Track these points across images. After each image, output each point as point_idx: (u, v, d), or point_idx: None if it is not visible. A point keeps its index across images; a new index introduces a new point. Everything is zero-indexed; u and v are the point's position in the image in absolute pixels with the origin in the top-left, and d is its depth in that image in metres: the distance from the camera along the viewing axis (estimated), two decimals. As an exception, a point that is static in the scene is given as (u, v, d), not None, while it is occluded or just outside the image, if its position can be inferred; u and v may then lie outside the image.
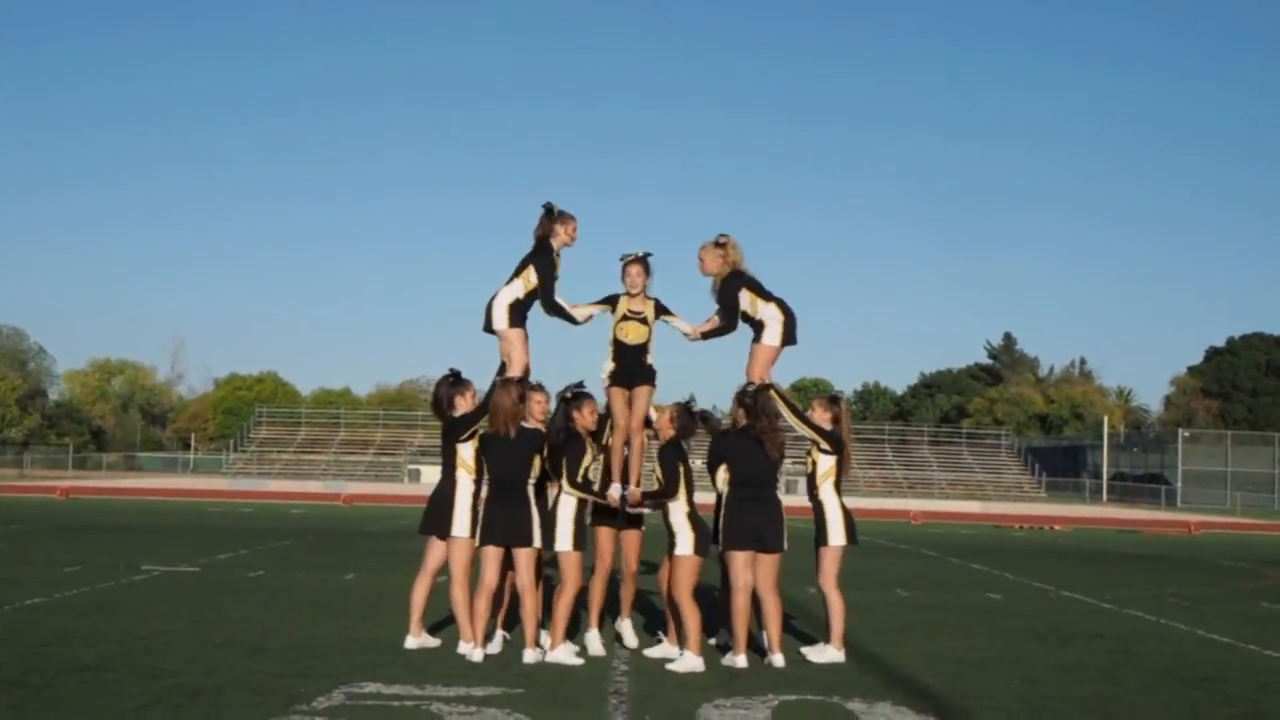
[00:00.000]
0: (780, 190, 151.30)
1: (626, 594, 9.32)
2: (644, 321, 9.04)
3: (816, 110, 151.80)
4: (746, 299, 9.07)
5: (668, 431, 8.84)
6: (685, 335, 9.24)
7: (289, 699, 6.90)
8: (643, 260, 9.10)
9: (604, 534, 9.08)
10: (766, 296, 9.10)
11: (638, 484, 8.91)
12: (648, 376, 9.03)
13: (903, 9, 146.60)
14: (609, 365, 9.07)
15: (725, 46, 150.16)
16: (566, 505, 8.73)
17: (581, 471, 8.74)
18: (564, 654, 8.44)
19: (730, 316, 9.07)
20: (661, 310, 9.16)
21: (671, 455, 8.78)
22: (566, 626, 8.63)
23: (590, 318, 9.17)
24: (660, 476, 8.74)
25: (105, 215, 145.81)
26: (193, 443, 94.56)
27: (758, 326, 9.10)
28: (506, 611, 9.11)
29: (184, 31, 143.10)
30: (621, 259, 9.12)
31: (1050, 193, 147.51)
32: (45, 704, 6.63)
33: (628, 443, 8.98)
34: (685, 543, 8.63)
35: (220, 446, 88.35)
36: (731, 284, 9.05)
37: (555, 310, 9.06)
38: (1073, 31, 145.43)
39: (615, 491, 8.84)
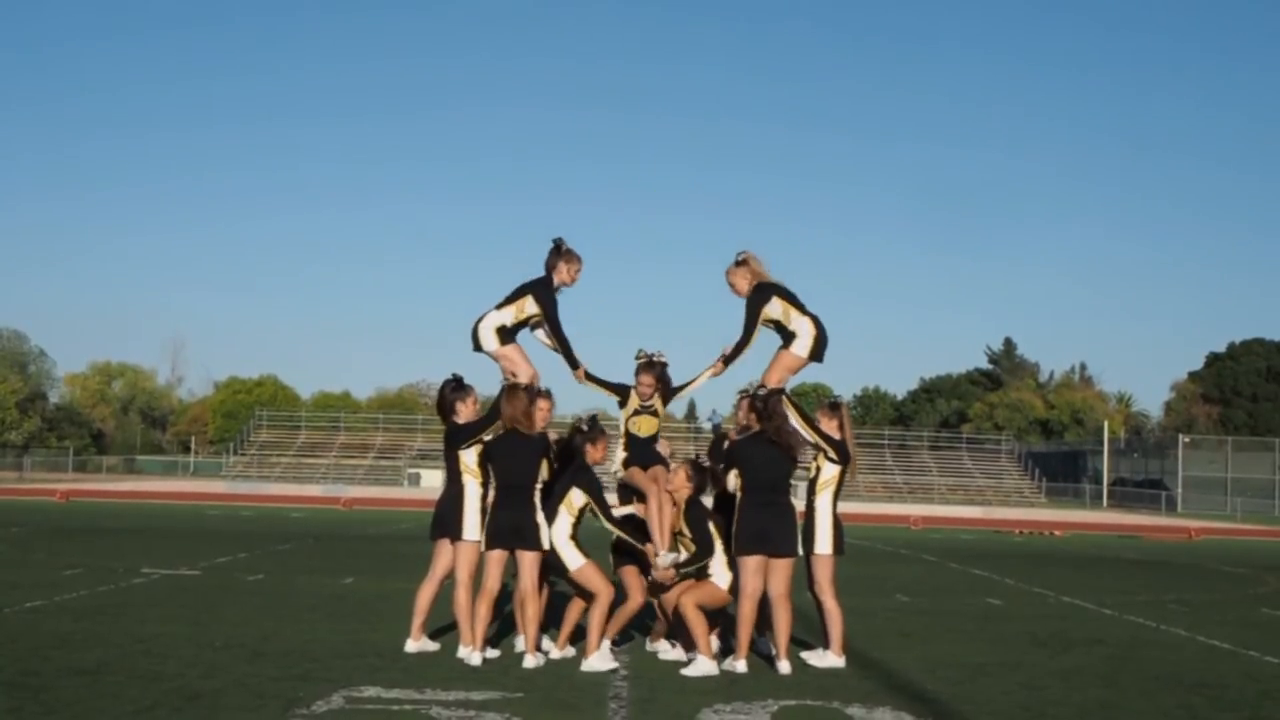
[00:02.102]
0: (780, 194, 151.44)
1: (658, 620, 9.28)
2: (654, 414, 9.22)
3: (815, 113, 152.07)
4: (779, 308, 9.09)
5: (685, 491, 8.77)
6: (712, 376, 9.34)
7: (288, 703, 6.88)
8: (655, 369, 9.20)
9: (628, 572, 9.00)
10: (802, 309, 9.13)
11: (667, 546, 8.80)
12: (659, 459, 9.13)
13: (901, 10, 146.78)
14: (621, 452, 9.17)
15: (725, 49, 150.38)
16: (562, 528, 8.65)
17: (614, 508, 8.80)
18: (599, 660, 8.38)
19: (746, 330, 9.10)
20: (671, 394, 9.26)
21: (697, 514, 8.74)
22: (601, 633, 8.54)
23: (586, 375, 9.24)
24: (691, 538, 8.69)
25: (106, 218, 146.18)
26: (192, 446, 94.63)
27: (789, 337, 9.11)
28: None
29: (184, 33, 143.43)
30: (636, 358, 9.27)
31: (1051, 197, 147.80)
32: (44, 707, 6.62)
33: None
34: (723, 580, 8.64)
35: (220, 450, 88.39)
36: (757, 297, 9.10)
37: (561, 343, 9.12)
38: (1074, 34, 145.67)
39: (664, 561, 8.70)
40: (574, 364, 9.18)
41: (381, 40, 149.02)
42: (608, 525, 8.75)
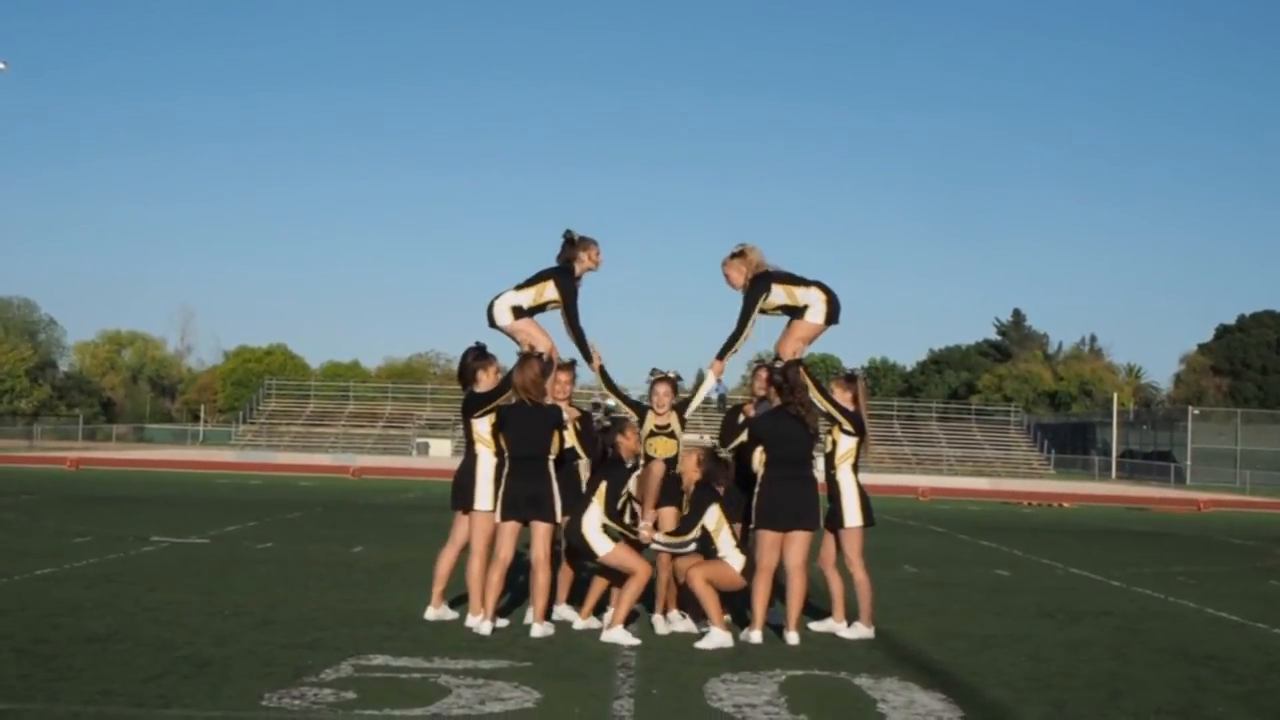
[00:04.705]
0: (789, 166, 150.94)
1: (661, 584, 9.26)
2: (672, 435, 9.15)
3: (823, 85, 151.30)
4: (782, 294, 9.03)
5: (694, 476, 8.76)
6: (717, 381, 9.32)
7: (297, 670, 6.91)
8: (671, 381, 9.22)
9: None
10: (804, 283, 9.08)
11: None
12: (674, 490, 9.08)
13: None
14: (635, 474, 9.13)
15: (734, 23, 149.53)
16: (593, 517, 8.61)
17: (621, 501, 8.71)
18: (621, 635, 8.39)
19: (740, 323, 9.03)
20: (681, 410, 9.22)
21: (700, 499, 8.70)
22: (629, 608, 8.54)
23: (603, 375, 9.25)
24: (686, 514, 8.70)
25: (115, 186, 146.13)
26: (202, 415, 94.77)
27: (801, 311, 9.05)
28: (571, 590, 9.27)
29: (190, 2, 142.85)
30: (651, 375, 9.26)
31: (1061, 169, 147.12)
32: (54, 674, 6.65)
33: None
34: (735, 563, 8.60)
35: (229, 419, 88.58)
36: (755, 290, 9.02)
37: (576, 333, 9.09)
38: (1081, 6, 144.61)
39: (647, 526, 8.72)
40: (588, 356, 9.16)
41: (393, 9, 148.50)
42: (605, 519, 8.66)
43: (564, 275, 9.06)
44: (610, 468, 8.77)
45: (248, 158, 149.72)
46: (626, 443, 8.76)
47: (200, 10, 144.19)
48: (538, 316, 9.15)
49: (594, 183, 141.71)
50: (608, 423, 8.95)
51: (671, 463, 9.05)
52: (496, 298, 9.09)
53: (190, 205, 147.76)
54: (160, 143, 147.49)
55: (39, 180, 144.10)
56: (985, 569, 14.46)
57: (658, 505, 8.76)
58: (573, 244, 9.13)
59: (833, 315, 9.06)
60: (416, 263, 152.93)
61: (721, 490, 8.77)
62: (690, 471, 8.78)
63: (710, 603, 8.41)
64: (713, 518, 8.64)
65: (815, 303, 9.03)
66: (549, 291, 9.03)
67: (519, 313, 9.05)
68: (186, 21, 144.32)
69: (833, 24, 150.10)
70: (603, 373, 9.26)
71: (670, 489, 8.83)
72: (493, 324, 9.12)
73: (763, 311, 9.12)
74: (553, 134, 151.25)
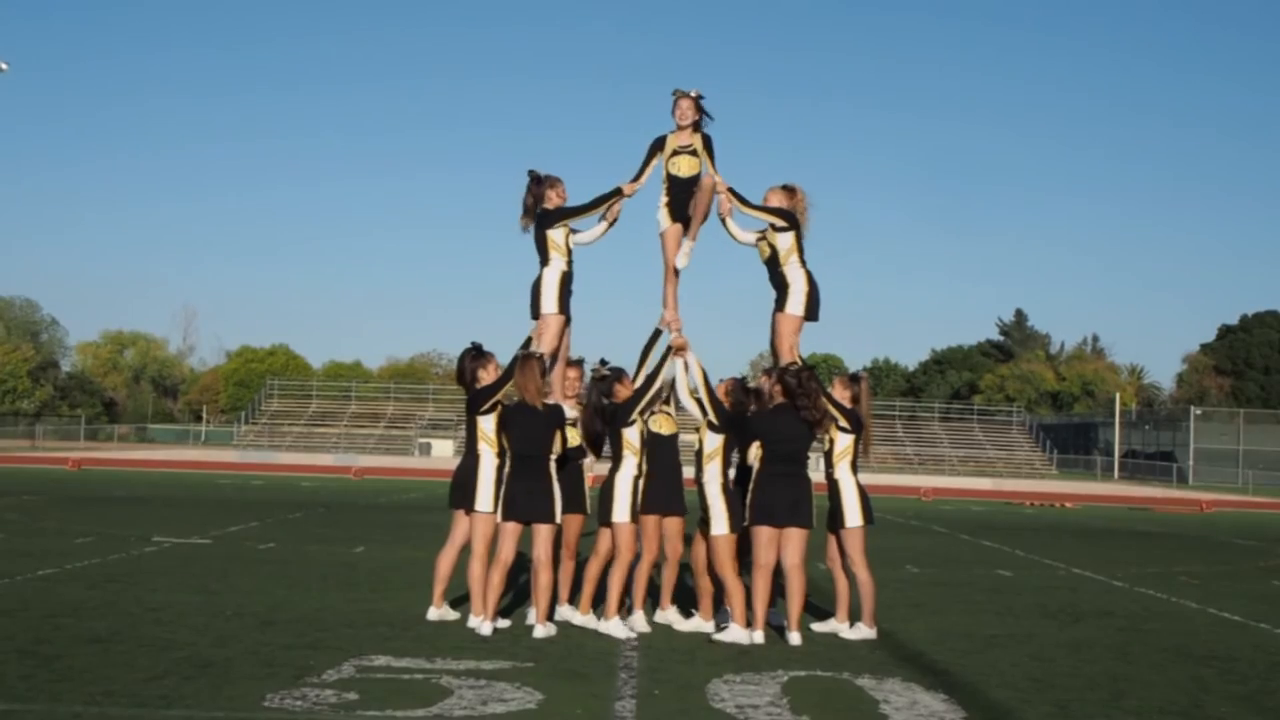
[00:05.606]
0: (789, 166, 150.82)
1: (668, 579, 9.28)
2: (694, 154, 9.23)
3: (826, 85, 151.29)
4: (788, 243, 9.14)
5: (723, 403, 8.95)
6: (714, 180, 9.30)
7: (299, 671, 6.91)
8: (694, 99, 9.25)
9: (649, 521, 9.00)
10: (804, 262, 9.17)
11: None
12: (695, 194, 9.20)
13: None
14: (663, 199, 9.26)
15: (740, 19, 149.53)
16: (625, 477, 8.73)
17: (639, 406, 8.84)
18: (615, 626, 8.44)
19: (749, 209, 9.18)
20: (707, 145, 9.27)
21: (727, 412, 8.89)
22: (621, 597, 8.61)
23: (633, 181, 9.31)
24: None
25: (117, 186, 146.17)
26: (204, 415, 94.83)
27: (781, 287, 9.12)
28: (570, 585, 9.29)
29: (194, 2, 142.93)
30: (674, 93, 9.29)
31: (1062, 168, 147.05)
32: (56, 674, 6.65)
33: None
34: (720, 522, 8.68)
35: (231, 419, 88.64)
36: (781, 213, 9.18)
37: (592, 205, 9.24)
38: (1082, 6, 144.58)
39: (669, 315, 9.03)
40: (620, 191, 9.27)
41: (393, 9, 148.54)
42: (643, 406, 8.80)
43: (549, 217, 9.18)
44: (621, 413, 8.79)
45: (248, 158, 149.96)
46: (623, 390, 8.88)
47: (200, 10, 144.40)
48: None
49: (594, 182, 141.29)
50: (606, 372, 8.96)
51: (692, 181, 9.16)
52: (539, 281, 9.18)
53: (191, 205, 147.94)
54: (160, 143, 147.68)
55: (39, 180, 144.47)
56: (987, 569, 14.45)
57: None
58: (539, 182, 9.29)
59: (812, 309, 9.18)
60: (417, 263, 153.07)
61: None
62: (720, 400, 8.95)
63: (737, 598, 8.47)
64: (714, 441, 8.76)
65: (797, 288, 9.11)
66: (559, 238, 9.19)
67: (564, 290, 9.16)
68: (187, 21, 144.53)
69: (833, 23, 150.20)
70: (635, 180, 9.31)
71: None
72: (537, 314, 9.21)
73: (757, 242, 9.30)
74: (553, 134, 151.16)
